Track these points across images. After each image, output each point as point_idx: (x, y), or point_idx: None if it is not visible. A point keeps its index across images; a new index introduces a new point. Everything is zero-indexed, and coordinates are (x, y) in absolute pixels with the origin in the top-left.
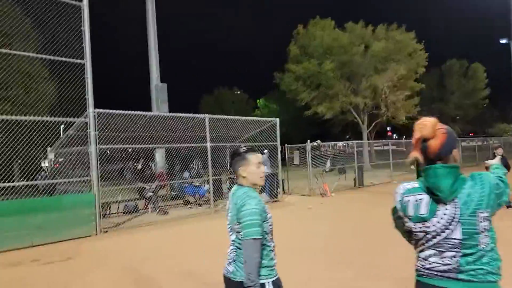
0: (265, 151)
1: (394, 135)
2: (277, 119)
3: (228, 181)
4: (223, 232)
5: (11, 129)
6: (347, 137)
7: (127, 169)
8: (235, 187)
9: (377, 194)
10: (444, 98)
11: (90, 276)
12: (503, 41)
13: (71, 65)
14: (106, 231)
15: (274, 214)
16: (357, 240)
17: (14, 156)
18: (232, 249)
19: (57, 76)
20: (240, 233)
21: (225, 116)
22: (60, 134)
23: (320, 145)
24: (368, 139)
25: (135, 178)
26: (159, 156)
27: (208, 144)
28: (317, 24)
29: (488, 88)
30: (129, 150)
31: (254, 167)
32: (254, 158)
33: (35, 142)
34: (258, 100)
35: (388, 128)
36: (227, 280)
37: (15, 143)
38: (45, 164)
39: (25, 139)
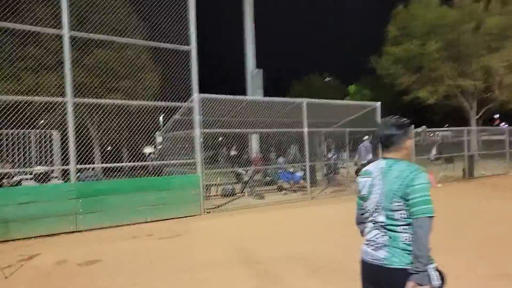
0: (366, 137)
1: (503, 123)
2: (379, 103)
3: (325, 168)
4: (323, 218)
5: (122, 115)
6: (446, 125)
7: (221, 155)
8: (384, 162)
9: (492, 187)
10: None
11: (202, 252)
12: None
13: (174, 52)
14: (209, 212)
15: None
16: (489, 232)
17: (124, 140)
18: (380, 233)
19: (161, 64)
20: (402, 211)
21: (323, 100)
22: (159, 122)
23: (425, 131)
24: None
25: (230, 163)
26: (255, 142)
27: (305, 130)
28: (420, 2)
29: None
30: (219, 138)
31: (412, 142)
32: (412, 133)
33: (141, 127)
34: (350, 86)
35: (495, 116)
36: (377, 268)
37: (124, 128)
38: (151, 148)
39: (133, 124)
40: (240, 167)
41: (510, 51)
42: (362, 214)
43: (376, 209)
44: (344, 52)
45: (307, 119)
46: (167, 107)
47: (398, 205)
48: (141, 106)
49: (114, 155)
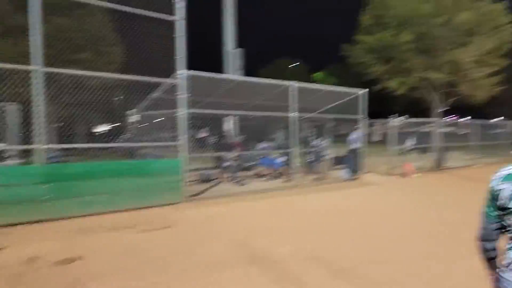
0: (359, 126)
1: (455, 116)
2: (366, 90)
3: (311, 154)
4: (317, 208)
5: (85, 89)
6: (407, 116)
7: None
8: None
9: (462, 178)
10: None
11: (203, 249)
12: None
13: (148, 22)
14: (191, 200)
15: (361, 194)
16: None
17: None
18: None
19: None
20: None
21: (312, 85)
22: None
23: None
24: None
25: (211, 147)
26: (230, 125)
27: (294, 114)
28: None
29: None
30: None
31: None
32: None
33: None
34: (316, 74)
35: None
36: None
37: (87, 104)
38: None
39: (103, 100)
40: (221, 151)
41: (478, 46)
42: (496, 229)
43: None
44: (316, 38)
45: (293, 104)
46: (139, 83)
47: None
48: (109, 81)
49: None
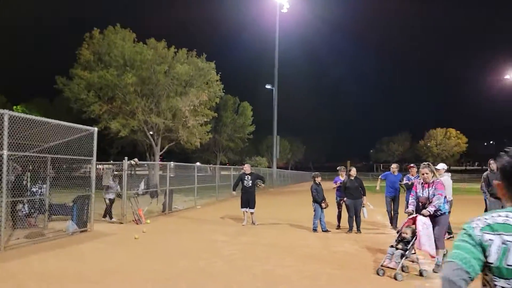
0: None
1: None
2: (96, 128)
3: (25, 206)
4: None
5: None
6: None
7: None
8: None
9: (191, 220)
10: (219, 130)
11: None
12: (268, 86)
13: None
14: None
15: (92, 249)
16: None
17: None
18: None
19: None
20: None
21: (33, 116)
22: None
23: (137, 163)
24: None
25: None
26: None
27: (5, 152)
28: (117, 33)
29: (253, 125)
30: None
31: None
32: None
33: None
34: (15, 107)
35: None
36: None
37: None
38: None
39: None
40: None
41: (195, 96)
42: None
43: None
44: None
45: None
46: None
47: None
48: None
49: None
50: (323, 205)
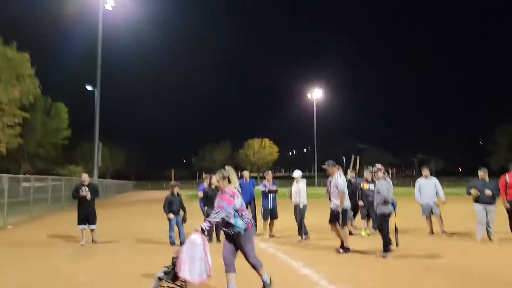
0: None
1: None
2: None
3: None
4: None
5: None
6: None
7: None
8: None
9: (8, 245)
10: (25, 134)
11: None
12: (89, 87)
13: None
14: None
15: None
16: None
17: None
18: None
19: None
20: None
21: None
22: None
23: None
24: None
25: None
26: None
27: None
28: None
29: (69, 129)
30: None
31: None
32: None
33: None
34: None
35: None
36: None
37: None
38: None
39: None
40: None
41: (3, 92)
42: None
43: None
44: None
45: None
46: None
47: None
48: None
49: None
50: (170, 216)
